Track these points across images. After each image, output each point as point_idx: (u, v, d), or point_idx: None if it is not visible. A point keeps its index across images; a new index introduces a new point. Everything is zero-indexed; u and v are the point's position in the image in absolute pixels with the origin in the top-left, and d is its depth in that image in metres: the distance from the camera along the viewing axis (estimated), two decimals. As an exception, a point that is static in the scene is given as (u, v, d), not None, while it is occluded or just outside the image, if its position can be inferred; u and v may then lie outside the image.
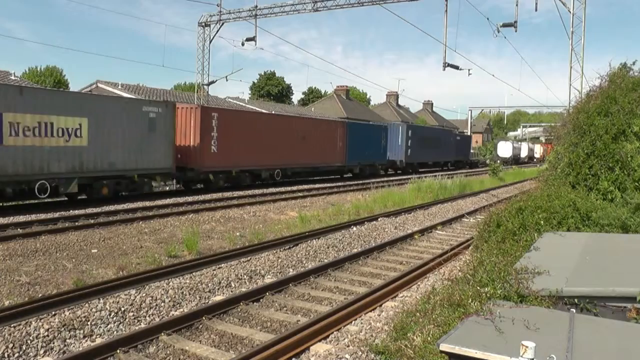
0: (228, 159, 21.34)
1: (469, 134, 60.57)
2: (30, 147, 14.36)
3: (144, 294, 7.18)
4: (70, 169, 15.45)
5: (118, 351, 5.40)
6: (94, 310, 6.48)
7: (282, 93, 77.12)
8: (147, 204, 16.45)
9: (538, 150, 73.15)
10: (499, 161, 43.50)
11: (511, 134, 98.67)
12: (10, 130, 13.82)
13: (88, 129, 15.81)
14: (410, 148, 35.81)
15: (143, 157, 17.62)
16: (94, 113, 16.03)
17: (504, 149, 62.83)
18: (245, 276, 8.51)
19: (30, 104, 14.31)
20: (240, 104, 46.66)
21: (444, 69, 24.09)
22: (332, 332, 6.11)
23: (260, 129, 23.17)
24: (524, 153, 68.70)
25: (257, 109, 45.25)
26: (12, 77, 29.90)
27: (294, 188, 23.18)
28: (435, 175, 24.43)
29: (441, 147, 41.90)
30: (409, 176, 27.88)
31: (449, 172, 35.26)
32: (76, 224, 12.73)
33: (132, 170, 17.40)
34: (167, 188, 21.21)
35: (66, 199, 16.60)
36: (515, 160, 62.64)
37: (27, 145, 14.28)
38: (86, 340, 5.83)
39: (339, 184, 26.90)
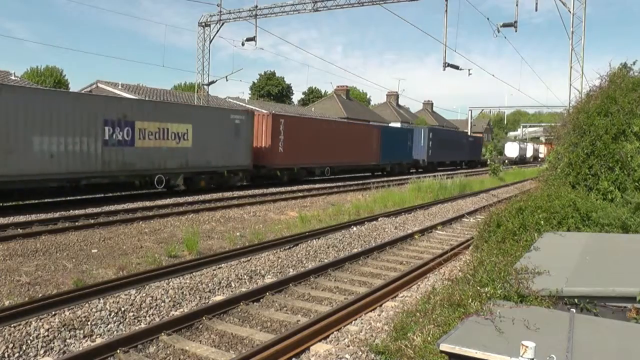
0: (291, 158, 25.11)
1: (469, 134, 61.70)
2: (153, 148, 18.06)
3: (144, 294, 7.18)
4: (179, 165, 19.16)
5: (118, 351, 5.40)
6: (94, 310, 6.48)
7: (282, 93, 77.15)
8: (147, 204, 16.45)
9: (542, 150, 77.28)
10: (507, 160, 49.25)
11: (511, 134, 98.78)
12: (139, 135, 17.55)
13: (192, 133, 19.49)
14: (431, 149, 39.88)
15: (230, 157, 21.29)
16: (197, 120, 19.72)
17: (512, 149, 66.98)
18: (245, 276, 8.51)
19: (152, 114, 18.03)
20: (241, 104, 46.67)
21: (444, 69, 24.14)
22: (332, 332, 6.11)
23: (314, 132, 27.10)
24: (529, 153, 74.09)
25: (258, 109, 45.29)
26: (12, 77, 29.91)
27: (294, 188, 23.18)
28: (451, 175, 25.98)
29: (457, 148, 46.04)
30: (430, 174, 30.17)
31: (462, 171, 39.26)
32: (76, 224, 12.73)
33: (222, 167, 21.17)
34: (244, 182, 23.65)
35: (149, 190, 17.69)
36: (522, 159, 67.17)
37: (150, 146, 17.99)
38: (86, 340, 5.83)
39: (339, 184, 26.92)
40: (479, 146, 54.39)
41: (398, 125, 56.06)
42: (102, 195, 17.75)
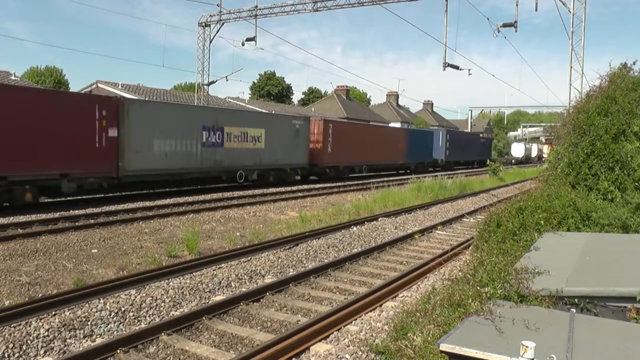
0: (337, 157, 29.16)
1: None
2: (236, 149, 22.10)
3: (144, 294, 7.18)
4: (255, 163, 23.20)
5: (118, 351, 5.40)
6: (94, 310, 6.48)
7: (282, 93, 77.14)
8: (147, 204, 16.46)
9: (546, 150, 79.66)
10: (514, 160, 54.45)
11: (511, 134, 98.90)
12: (227, 138, 21.59)
13: (265, 136, 23.58)
14: (448, 149, 43.69)
15: (292, 156, 25.38)
16: (268, 126, 23.86)
17: (518, 150, 70.93)
18: (245, 276, 8.51)
19: (236, 120, 22.34)
20: (241, 104, 46.70)
21: (444, 69, 24.16)
22: (333, 332, 6.11)
23: (355, 135, 30.99)
24: (534, 153, 78.31)
25: (258, 109, 45.32)
26: (13, 77, 29.93)
27: (294, 188, 23.19)
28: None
29: (470, 149, 50.36)
30: (448, 172, 33.32)
31: (475, 169, 43.05)
32: (76, 224, 12.73)
33: (286, 164, 25.27)
34: (298, 178, 27.52)
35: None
36: (527, 159, 71.49)
37: (235, 147, 22.02)
38: (86, 340, 5.83)
39: (339, 184, 26.94)
40: (489, 146, 58.59)
41: (398, 125, 57.24)
42: (102, 195, 17.79)
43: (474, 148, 51.65)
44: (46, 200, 16.16)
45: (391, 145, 35.49)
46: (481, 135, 61.00)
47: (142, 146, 17.84)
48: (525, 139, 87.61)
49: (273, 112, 36.17)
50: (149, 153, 18.11)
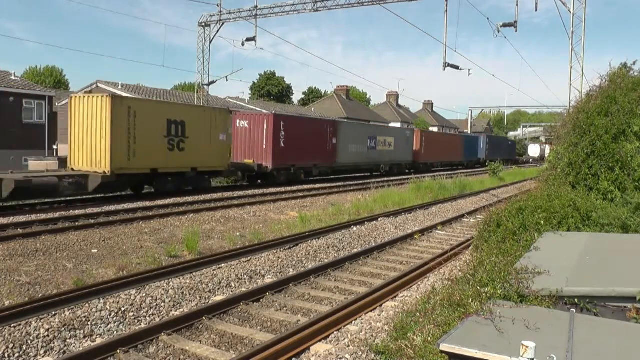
0: (427, 157, 41.63)
1: (469, 133, 67.24)
2: (381, 150, 33.92)
3: (144, 294, 7.18)
4: (388, 160, 35.17)
5: (118, 351, 5.40)
6: (94, 310, 6.48)
7: (283, 93, 77.16)
8: (148, 204, 16.45)
9: None
10: (531, 159, 66.69)
11: (511, 134, 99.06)
12: (378, 143, 33.40)
13: (394, 142, 35.90)
14: (487, 150, 55.36)
15: (404, 155, 37.69)
16: (395, 135, 36.72)
17: (534, 150, 78.03)
18: (245, 276, 8.51)
19: (381, 132, 34.79)
20: (241, 104, 46.69)
21: (444, 69, 24.15)
22: (333, 332, 6.11)
23: (436, 140, 44.31)
24: (547, 152, 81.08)
25: (258, 109, 45.30)
26: (13, 77, 29.92)
27: (294, 188, 23.19)
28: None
29: (502, 150, 61.87)
30: (487, 169, 39.25)
31: (506, 166, 50.51)
32: (76, 224, 12.73)
33: (402, 161, 37.49)
34: (407, 170, 37.94)
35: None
36: (542, 158, 78.20)
37: (380, 149, 33.87)
38: (86, 340, 5.83)
39: (339, 184, 26.95)
40: (514, 148, 71.26)
41: (398, 125, 58.68)
42: (103, 195, 17.80)
43: (504, 149, 63.72)
44: (46, 200, 16.24)
45: (455, 148, 47.82)
46: (508, 139, 75.03)
47: (345, 149, 29.78)
48: (541, 141, 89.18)
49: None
50: (346, 153, 30.03)
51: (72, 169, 17.47)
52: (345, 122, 36.93)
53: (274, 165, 23.85)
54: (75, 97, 17.72)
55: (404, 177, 31.39)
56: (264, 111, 33.76)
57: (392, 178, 30.47)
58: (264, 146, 23.82)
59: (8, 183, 14.70)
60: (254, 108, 45.48)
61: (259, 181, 25.07)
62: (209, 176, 21.37)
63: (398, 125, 60.29)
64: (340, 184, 26.95)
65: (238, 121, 24.37)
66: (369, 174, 33.81)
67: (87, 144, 17.13)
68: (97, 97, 17.21)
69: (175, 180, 19.44)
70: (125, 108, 17.22)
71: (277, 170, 24.27)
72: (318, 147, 27.27)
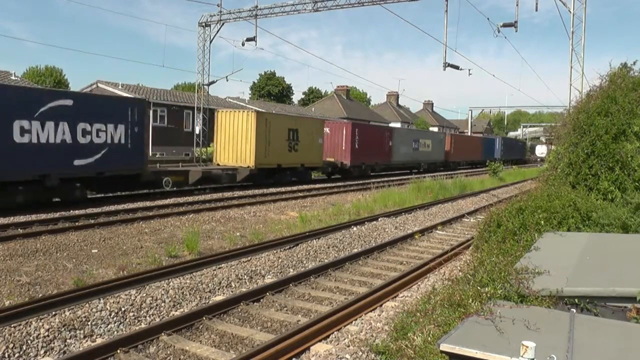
0: (457, 156, 48.29)
1: (469, 134, 68.07)
2: (421, 151, 40.65)
3: (144, 294, 7.18)
4: (426, 160, 41.14)
5: (118, 351, 5.40)
6: (94, 310, 6.48)
7: (283, 93, 77.11)
8: (148, 204, 16.46)
9: None
10: (539, 159, 70.06)
11: (511, 134, 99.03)
12: (419, 145, 40.30)
13: (431, 144, 42.13)
14: (502, 151, 61.41)
15: (438, 155, 44.03)
16: (432, 138, 43.45)
17: (541, 150, 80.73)
18: (245, 276, 8.51)
19: (423, 135, 42.69)
20: (241, 104, 46.70)
21: (444, 69, 24.12)
22: (333, 332, 6.11)
23: (463, 141, 51.87)
24: None
25: (258, 109, 45.28)
26: (13, 77, 29.93)
27: (294, 188, 23.19)
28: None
29: (514, 150, 68.77)
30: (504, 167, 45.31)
31: (517, 166, 56.69)
32: (76, 224, 12.73)
33: (436, 160, 43.73)
34: (441, 168, 44.52)
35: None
36: None
37: (421, 150, 40.67)
38: (86, 341, 5.83)
39: (340, 184, 26.96)
40: (524, 148, 77.75)
41: (398, 125, 59.09)
42: (103, 195, 17.81)
43: (515, 149, 70.53)
44: (50, 200, 16.24)
45: (476, 149, 54.56)
46: (519, 140, 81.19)
47: (397, 150, 36.63)
48: (548, 141, 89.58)
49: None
50: (398, 153, 36.85)
51: (218, 164, 23.54)
52: (398, 128, 46.84)
53: (351, 162, 30.68)
54: (222, 112, 24.28)
55: (437, 173, 36.88)
56: (345, 120, 41.33)
57: (392, 178, 30.70)
58: (343, 148, 30.44)
59: (195, 174, 20.70)
60: (255, 108, 45.47)
61: (337, 176, 31.26)
62: (311, 170, 28.28)
63: (398, 125, 61.29)
64: (340, 184, 26.96)
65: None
66: (408, 171, 38.67)
67: (234, 146, 23.40)
68: (244, 112, 23.77)
69: (291, 173, 25.99)
70: (263, 120, 23.73)
71: (353, 166, 30.93)
72: (379, 148, 34.33)
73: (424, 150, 41.22)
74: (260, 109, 37.24)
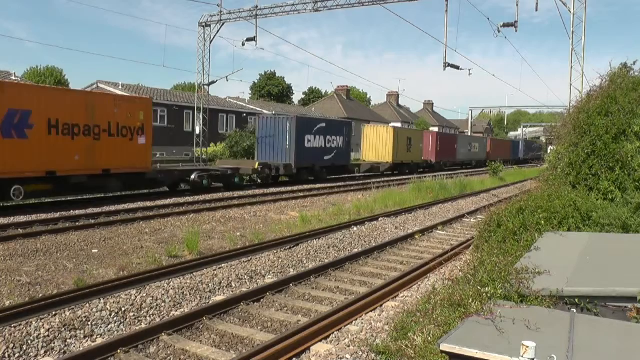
0: (493, 156, 54.51)
1: (469, 134, 69.15)
2: (472, 152, 53.28)
3: (144, 294, 7.19)
4: (474, 159, 53.21)
5: (119, 351, 5.41)
6: (94, 310, 6.48)
7: (283, 93, 77.09)
8: (148, 204, 16.47)
9: None
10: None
11: (512, 134, 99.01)
12: (471, 147, 53.26)
13: (478, 146, 55.45)
14: (524, 151, 72.44)
15: (481, 155, 55.00)
16: (479, 141, 57.12)
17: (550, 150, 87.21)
18: (245, 276, 8.52)
19: (473, 140, 56.45)
20: (241, 104, 46.70)
21: (445, 69, 24.12)
22: (333, 332, 6.11)
23: (498, 144, 63.24)
24: None
25: (258, 109, 45.33)
26: (13, 77, 29.95)
27: (295, 188, 23.19)
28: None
29: (533, 150, 74.75)
30: (524, 165, 58.10)
31: (530, 165, 62.37)
32: (77, 224, 12.73)
33: (481, 159, 53.90)
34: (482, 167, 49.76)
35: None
36: None
37: (472, 151, 53.36)
38: (87, 341, 5.83)
39: (340, 184, 26.95)
40: (540, 149, 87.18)
41: (399, 125, 59.43)
42: (103, 195, 17.83)
43: (534, 150, 77.89)
44: (47, 201, 16.28)
45: (507, 149, 65.59)
46: (536, 142, 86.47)
47: (459, 151, 47.06)
48: (548, 141, 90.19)
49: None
50: (460, 153, 47.79)
51: (364, 160, 35.94)
52: (460, 135, 58.63)
53: (436, 160, 42.52)
54: (368, 126, 38.60)
55: (481, 169, 44.64)
56: (434, 129, 58.34)
57: (392, 179, 30.79)
58: (430, 149, 42.12)
59: (365, 165, 34.65)
60: (255, 108, 45.50)
61: (421, 170, 40.34)
62: (416, 166, 39.74)
63: (399, 125, 61.99)
64: (340, 184, 26.96)
65: (416, 134, 42.43)
66: (464, 167, 49.56)
67: (376, 148, 36.19)
68: (384, 127, 38.77)
69: (408, 168, 37.66)
70: (396, 132, 36.88)
71: (437, 162, 42.59)
72: (450, 150, 46.09)
73: (474, 151, 54.29)
74: (395, 125, 51.38)
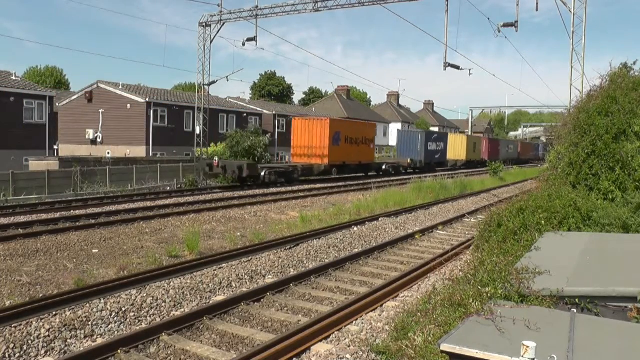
0: (522, 155, 71.62)
1: (469, 133, 68.14)
2: (509, 152, 65.90)
3: (145, 294, 7.19)
4: (510, 157, 64.77)
5: (119, 351, 5.41)
6: (95, 310, 6.48)
7: (283, 93, 77.14)
8: (148, 204, 16.48)
9: None
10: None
11: (512, 134, 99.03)
12: (509, 148, 66.55)
13: (513, 148, 68.16)
14: (543, 151, 72.83)
15: (514, 155, 66.98)
16: (514, 143, 71.92)
17: None
18: (246, 276, 8.52)
19: (509, 143, 70.84)
20: (242, 104, 46.69)
21: (445, 69, 24.02)
22: (333, 332, 6.11)
23: (524, 146, 75.34)
24: None
25: (259, 109, 45.31)
26: (13, 78, 29.94)
27: (295, 188, 23.20)
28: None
29: (535, 151, 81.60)
30: (528, 165, 64.52)
31: (529, 165, 67.04)
32: (77, 224, 12.74)
33: (514, 158, 65.63)
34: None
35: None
36: None
37: (509, 151, 65.58)
38: (87, 340, 5.83)
39: (340, 184, 26.96)
40: (542, 148, 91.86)
41: (399, 125, 59.95)
42: (103, 195, 17.85)
43: (536, 150, 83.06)
44: (47, 201, 16.30)
45: (532, 150, 76.65)
46: (471, 133, 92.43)
47: (501, 152, 59.72)
48: (549, 141, 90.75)
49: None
50: (501, 153, 59.04)
51: (449, 159, 48.03)
52: (501, 139, 70.01)
53: (487, 158, 51.24)
54: (452, 135, 53.59)
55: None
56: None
57: (392, 179, 30.75)
58: (483, 150, 55.16)
59: (451, 162, 49.33)
60: (255, 108, 45.50)
61: (479, 165, 48.96)
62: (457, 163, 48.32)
63: (399, 125, 62.97)
64: (341, 183, 26.96)
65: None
66: (494, 164, 52.06)
67: (454, 149, 48.75)
68: (460, 135, 55.35)
69: (473, 164, 47.93)
70: (467, 138, 51.78)
71: (487, 160, 47.95)
72: (496, 150, 57.62)
73: (510, 151, 64.73)
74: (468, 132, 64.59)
